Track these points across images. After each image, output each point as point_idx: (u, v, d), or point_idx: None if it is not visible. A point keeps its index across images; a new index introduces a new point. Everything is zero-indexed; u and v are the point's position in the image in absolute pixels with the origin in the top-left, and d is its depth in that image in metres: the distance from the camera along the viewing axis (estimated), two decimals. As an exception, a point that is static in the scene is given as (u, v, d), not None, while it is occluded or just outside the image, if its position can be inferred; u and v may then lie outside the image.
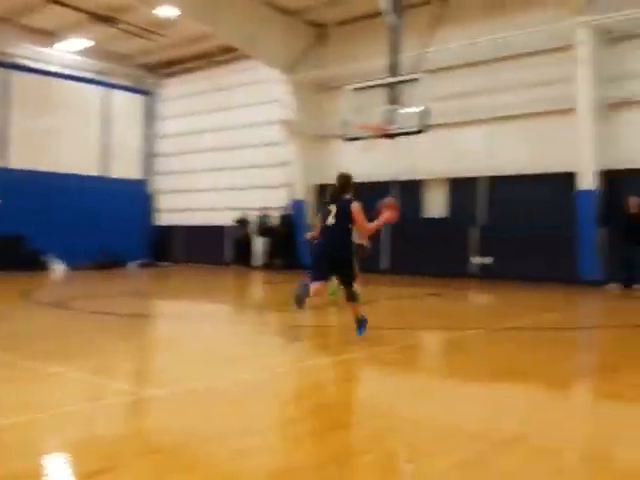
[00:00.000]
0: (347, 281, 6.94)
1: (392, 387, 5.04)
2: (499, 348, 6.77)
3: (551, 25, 13.78)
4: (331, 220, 6.87)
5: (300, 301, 6.74)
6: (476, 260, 15.23)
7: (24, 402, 4.28)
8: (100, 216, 19.44)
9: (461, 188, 15.84)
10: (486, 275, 14.86)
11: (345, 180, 7.00)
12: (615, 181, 13.46)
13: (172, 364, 5.75)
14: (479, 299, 12.90)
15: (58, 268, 17.44)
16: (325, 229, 6.97)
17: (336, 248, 6.90)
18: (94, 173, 20.28)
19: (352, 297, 6.89)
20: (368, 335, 6.79)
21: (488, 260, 15.06)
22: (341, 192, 6.94)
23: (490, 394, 4.90)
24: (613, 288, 12.74)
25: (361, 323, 6.89)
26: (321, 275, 6.89)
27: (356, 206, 6.80)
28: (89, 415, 4.13)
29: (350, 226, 6.89)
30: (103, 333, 7.47)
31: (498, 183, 15.20)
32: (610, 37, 13.59)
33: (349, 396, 5.00)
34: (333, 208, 6.87)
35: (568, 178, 13.68)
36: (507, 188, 14.99)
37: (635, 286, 12.49)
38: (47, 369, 5.37)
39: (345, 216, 6.81)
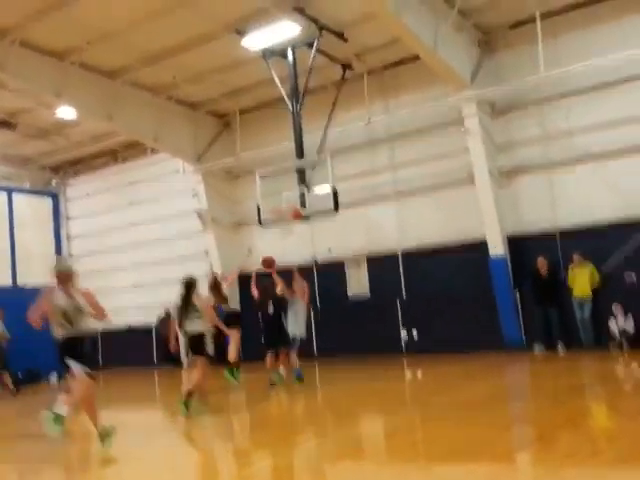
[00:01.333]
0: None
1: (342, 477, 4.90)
2: (438, 426, 6.73)
3: (439, 101, 14.61)
4: None
5: None
6: (402, 335, 15.36)
7: None
8: (12, 329, 18.43)
9: (379, 264, 16.10)
10: (413, 349, 14.97)
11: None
12: (521, 245, 14.02)
13: None
14: (410, 375, 12.93)
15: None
16: None
17: None
18: (2, 283, 19.38)
19: None
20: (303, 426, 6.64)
21: (413, 334, 15.23)
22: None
23: (438, 477, 4.83)
24: (538, 350, 13.04)
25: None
26: None
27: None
28: None
29: None
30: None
31: (413, 256, 15.56)
32: (495, 109, 14.51)
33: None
34: None
35: (479, 246, 14.14)
36: (422, 260, 15.33)
37: (558, 346, 12.84)
38: None
39: None
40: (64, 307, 6.80)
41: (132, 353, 19.56)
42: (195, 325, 9.07)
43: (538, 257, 13.33)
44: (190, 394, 8.63)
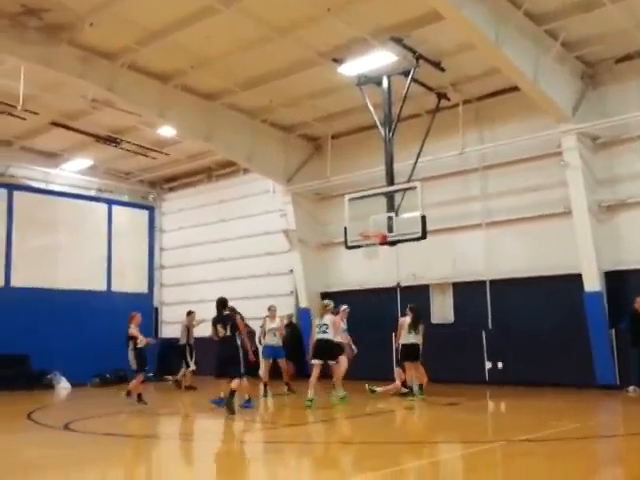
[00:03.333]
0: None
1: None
2: (522, 462, 6.65)
3: (538, 134, 14.37)
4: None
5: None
6: (487, 365, 15.11)
7: None
8: (105, 331, 19.31)
9: (465, 292, 15.96)
10: (497, 380, 14.68)
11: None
12: (619, 281, 13.57)
13: None
14: (494, 407, 12.72)
15: (63, 386, 17.26)
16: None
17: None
18: (98, 288, 20.37)
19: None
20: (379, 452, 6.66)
21: (498, 365, 14.96)
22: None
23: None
24: (632, 391, 12.56)
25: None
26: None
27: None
28: None
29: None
30: (105, 460, 7.38)
31: (502, 286, 15.32)
32: (598, 143, 14.15)
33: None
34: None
35: (573, 280, 13.77)
36: (511, 291, 15.09)
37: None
38: None
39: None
40: None
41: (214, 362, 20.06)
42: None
43: (637, 296, 12.82)
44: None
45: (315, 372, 11.65)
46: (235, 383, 10.67)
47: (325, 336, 11.78)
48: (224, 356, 10.98)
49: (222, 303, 11.49)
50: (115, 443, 8.64)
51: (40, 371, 17.62)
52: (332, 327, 11.85)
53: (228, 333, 11.05)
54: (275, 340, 14.11)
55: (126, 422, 10.85)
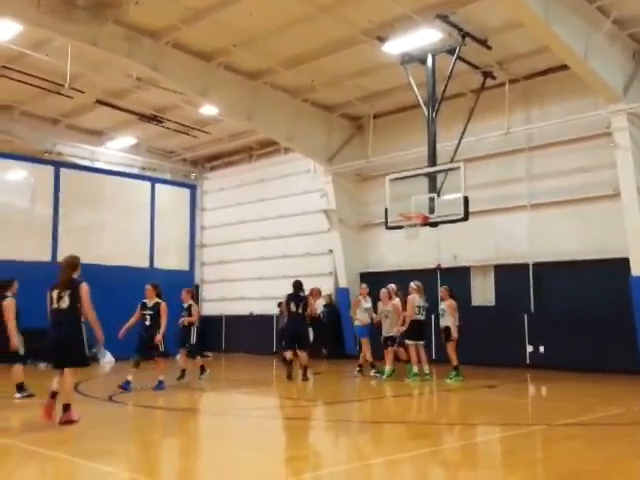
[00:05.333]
0: None
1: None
2: (564, 446, 6.58)
3: (586, 114, 14.02)
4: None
5: None
6: (529, 349, 14.93)
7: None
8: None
9: (507, 275, 15.75)
10: (539, 364, 14.50)
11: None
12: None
13: (223, 463, 5.73)
14: (536, 391, 12.58)
15: (107, 360, 17.66)
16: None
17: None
18: (142, 265, 20.72)
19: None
20: (421, 432, 6.66)
21: (540, 349, 14.76)
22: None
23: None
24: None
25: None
26: None
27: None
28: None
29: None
30: (153, 430, 7.62)
31: (545, 269, 15.08)
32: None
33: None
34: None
35: (620, 263, 13.44)
36: (555, 274, 14.84)
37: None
38: (102, 468, 5.50)
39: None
40: None
41: (251, 340, 20.36)
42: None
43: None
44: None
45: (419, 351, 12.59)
46: (304, 356, 12.34)
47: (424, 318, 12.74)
48: (294, 331, 12.65)
49: (299, 284, 12.90)
50: (158, 416, 8.83)
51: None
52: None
53: (300, 311, 12.56)
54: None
55: (170, 396, 11.05)
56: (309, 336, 12.99)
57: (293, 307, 12.61)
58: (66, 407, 7.44)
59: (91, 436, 7.11)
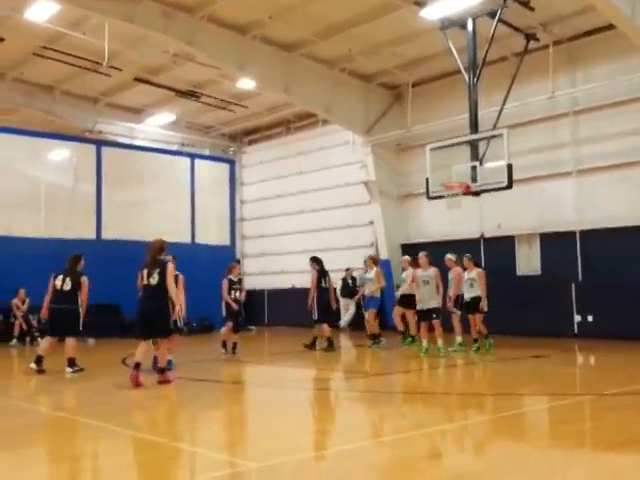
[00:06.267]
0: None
1: (493, 461, 4.83)
2: (613, 416, 6.43)
3: (634, 75, 13.50)
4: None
5: None
6: (576, 319, 14.64)
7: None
8: (190, 282, 19.88)
9: (553, 243, 15.38)
10: (587, 334, 14.18)
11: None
12: None
13: (269, 434, 5.77)
14: (584, 360, 12.35)
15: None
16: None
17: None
18: (183, 240, 20.95)
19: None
20: (469, 402, 6.59)
21: (589, 318, 14.45)
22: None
23: (609, 468, 4.63)
24: None
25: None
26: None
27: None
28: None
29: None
30: (200, 401, 7.69)
31: (593, 236, 14.68)
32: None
33: (448, 469, 4.78)
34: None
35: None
36: (603, 241, 14.43)
37: None
38: (150, 439, 5.68)
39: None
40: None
41: (294, 313, 20.40)
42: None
43: None
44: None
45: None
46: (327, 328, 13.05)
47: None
48: (324, 305, 13.27)
49: (320, 260, 13.91)
50: (208, 388, 8.92)
51: (131, 320, 18.33)
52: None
53: (327, 285, 13.55)
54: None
55: (215, 369, 11.18)
56: (331, 308, 13.70)
57: (323, 283, 13.42)
58: (161, 370, 8.63)
59: (137, 408, 7.22)
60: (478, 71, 13.75)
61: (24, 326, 16.02)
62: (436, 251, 13.75)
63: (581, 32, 14.75)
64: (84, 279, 10.34)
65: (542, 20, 14.27)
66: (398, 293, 13.75)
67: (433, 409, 7.36)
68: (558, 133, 15.35)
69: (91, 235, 19.35)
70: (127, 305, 18.31)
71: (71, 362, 10.12)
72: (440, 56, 15.60)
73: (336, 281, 18.03)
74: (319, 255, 19.18)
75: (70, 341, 10.18)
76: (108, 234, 19.63)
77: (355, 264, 18.18)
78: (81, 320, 10.25)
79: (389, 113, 18.27)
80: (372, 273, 13.77)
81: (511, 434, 5.89)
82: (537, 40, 14.80)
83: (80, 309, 10.26)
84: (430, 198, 14.34)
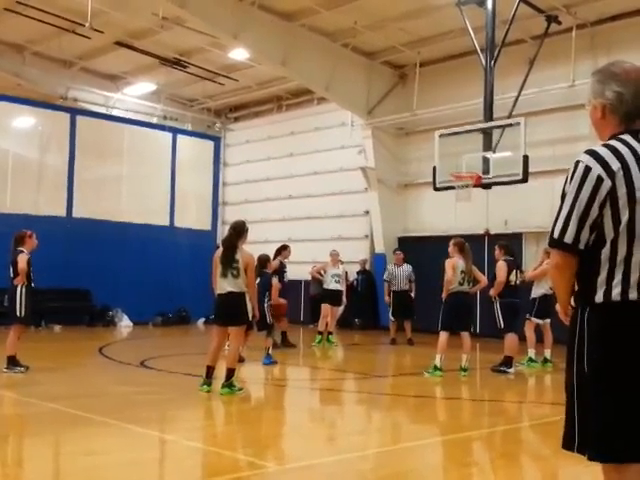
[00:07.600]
0: None
1: None
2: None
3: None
4: None
5: None
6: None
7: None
8: (167, 269, 18.55)
9: (565, 242, 14.40)
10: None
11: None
12: None
13: (278, 436, 5.87)
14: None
15: (125, 324, 16.74)
16: None
17: None
18: (160, 223, 19.51)
19: None
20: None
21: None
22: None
23: None
24: None
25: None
26: None
27: None
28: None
29: None
30: (198, 399, 7.32)
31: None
32: None
33: None
34: None
35: None
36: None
37: None
38: (161, 437, 5.66)
39: None
40: None
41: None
42: None
43: None
44: None
45: None
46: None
47: None
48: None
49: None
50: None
51: (102, 307, 17.06)
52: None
53: None
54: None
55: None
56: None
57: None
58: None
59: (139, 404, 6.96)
60: (496, 52, 12.74)
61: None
62: (436, 246, 12.83)
63: (606, 16, 13.77)
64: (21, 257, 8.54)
65: (566, 1, 13.30)
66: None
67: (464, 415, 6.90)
68: (577, 124, 14.22)
69: (61, 212, 17.79)
70: (98, 291, 17.00)
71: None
72: (452, 35, 14.47)
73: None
74: (308, 245, 18.15)
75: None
76: (79, 212, 18.06)
77: (347, 258, 16.96)
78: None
79: (392, 94, 17.02)
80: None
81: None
82: (559, 23, 13.75)
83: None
84: (437, 189, 13.44)
